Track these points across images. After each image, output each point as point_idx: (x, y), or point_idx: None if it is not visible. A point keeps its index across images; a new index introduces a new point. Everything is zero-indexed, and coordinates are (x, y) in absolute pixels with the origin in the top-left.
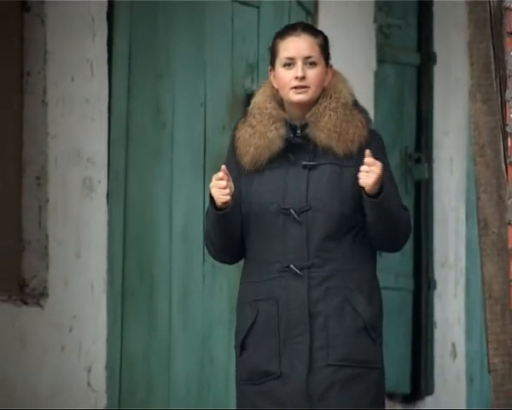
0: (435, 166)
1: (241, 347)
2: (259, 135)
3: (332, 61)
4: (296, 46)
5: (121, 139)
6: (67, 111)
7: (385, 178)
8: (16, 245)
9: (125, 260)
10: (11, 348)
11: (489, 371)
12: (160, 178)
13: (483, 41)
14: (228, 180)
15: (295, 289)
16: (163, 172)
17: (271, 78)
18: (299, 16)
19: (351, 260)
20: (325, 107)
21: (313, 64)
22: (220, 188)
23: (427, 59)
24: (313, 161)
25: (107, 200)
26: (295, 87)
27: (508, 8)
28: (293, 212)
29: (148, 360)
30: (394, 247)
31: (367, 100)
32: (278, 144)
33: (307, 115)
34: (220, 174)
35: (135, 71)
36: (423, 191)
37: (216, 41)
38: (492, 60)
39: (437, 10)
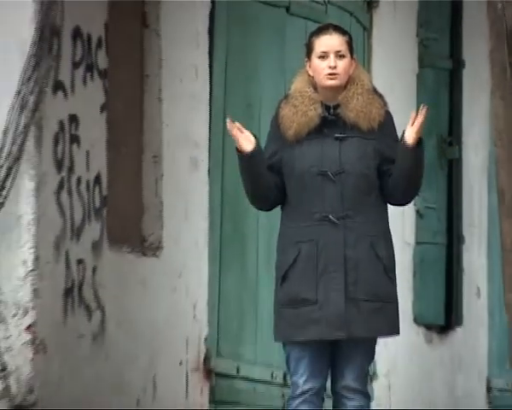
0: (464, 148)
1: (283, 278)
2: (301, 113)
3: (381, 67)
4: (329, 42)
5: (219, 127)
6: (177, 105)
7: (395, 147)
8: (138, 210)
9: (223, 222)
10: (134, 290)
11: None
12: None
13: (501, 50)
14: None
15: (333, 234)
16: None
17: (307, 67)
18: (358, 31)
19: (375, 214)
20: (353, 92)
21: (342, 57)
22: (241, 136)
23: (457, 64)
24: (343, 134)
25: (209, 175)
26: (329, 74)
27: None
28: (330, 174)
29: (240, 298)
30: (411, 197)
31: (411, 96)
32: (316, 121)
33: (339, 97)
34: (235, 129)
35: (230, 74)
36: (454, 168)
37: (293, 50)
38: (507, 64)
39: (465, 25)
